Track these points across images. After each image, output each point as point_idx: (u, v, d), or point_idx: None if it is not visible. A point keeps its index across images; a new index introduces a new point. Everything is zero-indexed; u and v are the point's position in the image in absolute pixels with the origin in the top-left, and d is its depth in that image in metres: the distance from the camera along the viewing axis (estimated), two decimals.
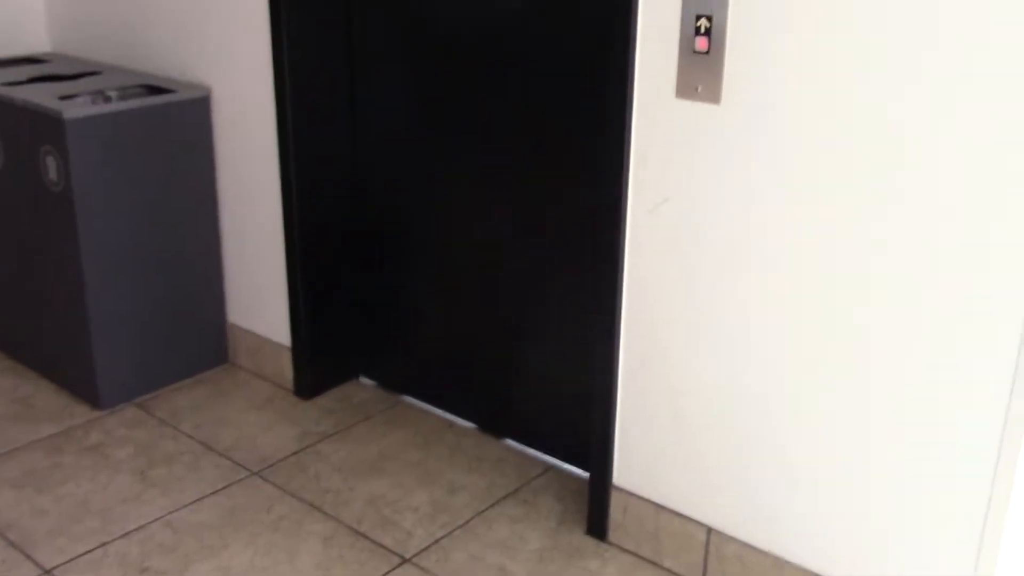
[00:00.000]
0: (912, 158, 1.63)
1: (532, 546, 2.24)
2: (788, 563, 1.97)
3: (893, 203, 1.67)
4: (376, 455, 2.58)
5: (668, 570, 2.15)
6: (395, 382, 2.88)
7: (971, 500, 1.71)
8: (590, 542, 2.25)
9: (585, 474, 2.43)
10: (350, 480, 2.47)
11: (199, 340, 2.96)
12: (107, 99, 2.71)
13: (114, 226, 2.66)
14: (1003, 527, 1.68)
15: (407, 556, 2.20)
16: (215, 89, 2.78)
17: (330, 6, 2.60)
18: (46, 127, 2.56)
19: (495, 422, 2.67)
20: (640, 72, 1.91)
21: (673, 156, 1.91)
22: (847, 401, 1.81)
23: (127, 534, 2.26)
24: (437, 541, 2.25)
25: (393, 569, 2.16)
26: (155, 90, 2.76)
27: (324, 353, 2.86)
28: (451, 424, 2.72)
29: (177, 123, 2.74)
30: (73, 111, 2.52)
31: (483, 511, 2.36)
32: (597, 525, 2.25)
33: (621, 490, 2.20)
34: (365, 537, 2.27)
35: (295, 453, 2.58)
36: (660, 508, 2.14)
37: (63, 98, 2.64)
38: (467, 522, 2.32)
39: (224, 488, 2.44)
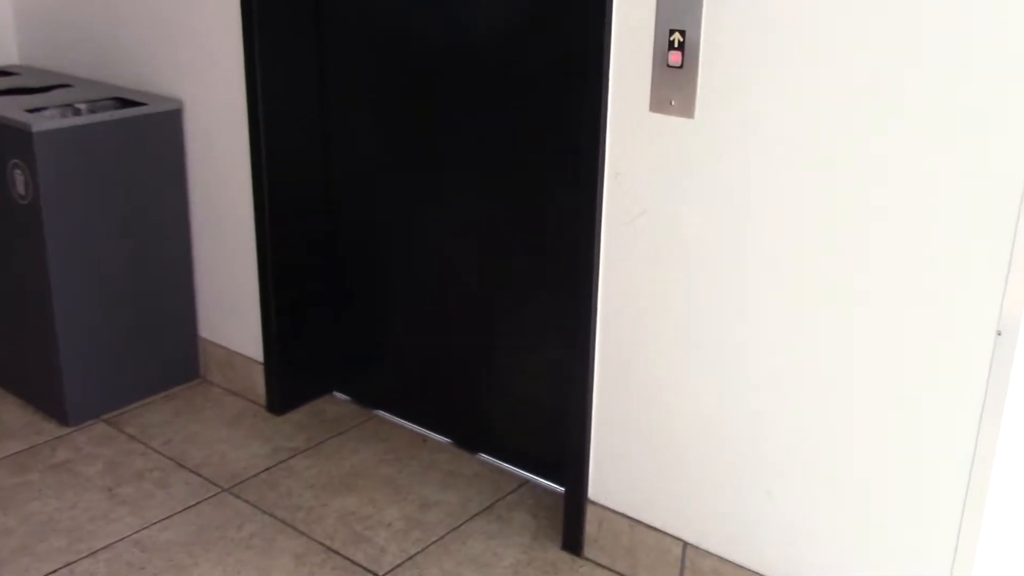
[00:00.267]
0: (886, 171, 1.64)
1: (507, 562, 2.22)
2: None
3: (868, 216, 1.68)
4: (349, 471, 2.55)
5: None
6: (369, 397, 2.86)
7: (946, 516, 1.71)
8: (565, 557, 2.24)
9: (560, 489, 2.42)
10: (322, 496, 2.45)
11: (169, 355, 2.92)
12: (76, 112, 2.68)
13: (83, 240, 2.63)
14: (977, 542, 1.69)
15: (380, 573, 2.18)
16: (187, 102, 2.76)
17: (303, 21, 2.59)
18: (14, 140, 2.53)
19: (469, 437, 2.65)
20: (614, 86, 1.92)
21: (647, 170, 1.91)
22: (824, 415, 1.82)
23: (94, 553, 2.23)
24: (411, 558, 2.23)
25: None
26: (126, 103, 2.74)
27: (297, 368, 2.83)
28: (425, 439, 2.71)
29: (148, 136, 2.72)
30: (41, 124, 2.49)
31: (457, 527, 2.34)
32: (572, 540, 2.24)
33: (596, 505, 2.19)
34: (338, 554, 2.24)
35: (267, 469, 2.56)
36: (635, 523, 2.13)
37: (31, 111, 2.61)
38: (441, 538, 2.30)
39: (194, 505, 2.41)
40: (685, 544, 2.07)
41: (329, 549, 2.25)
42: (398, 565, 2.21)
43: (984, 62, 1.51)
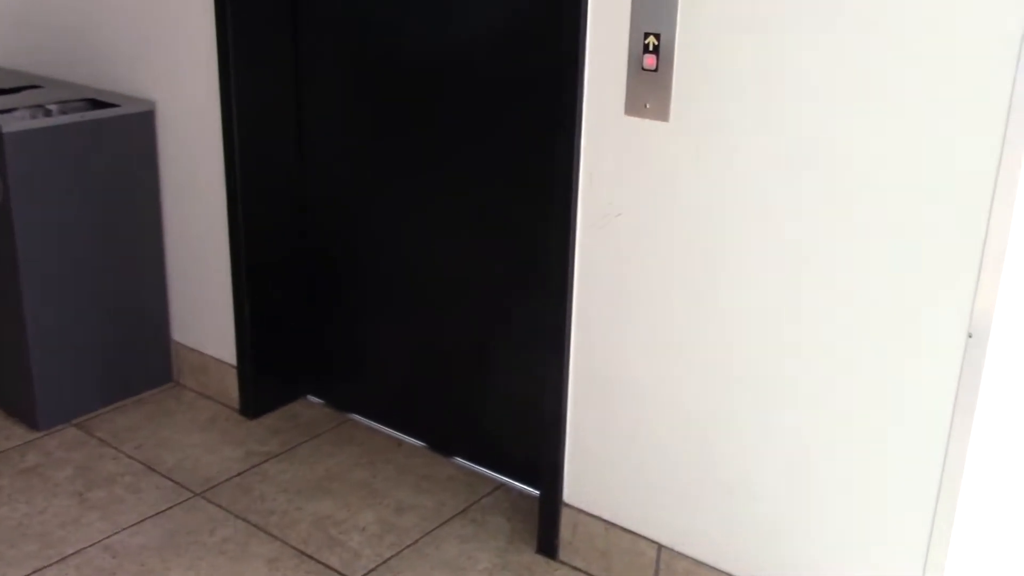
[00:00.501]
0: (859, 174, 1.65)
1: (481, 565, 2.22)
2: None
3: (840, 219, 1.69)
4: (323, 475, 2.54)
5: None
6: (343, 401, 2.84)
7: (918, 516, 1.72)
8: (540, 560, 2.24)
9: (535, 492, 2.42)
10: (296, 501, 2.43)
11: (142, 359, 2.90)
12: (47, 113, 2.65)
13: (54, 242, 2.60)
14: (949, 542, 1.70)
15: None
16: (160, 103, 2.74)
17: (278, 21, 2.58)
18: None
19: (444, 440, 2.64)
20: (589, 89, 1.92)
21: (622, 173, 1.92)
22: (797, 416, 1.82)
23: (64, 558, 2.20)
24: (385, 561, 2.22)
25: None
26: (98, 104, 2.71)
27: (270, 372, 2.81)
28: (400, 443, 2.70)
29: (120, 138, 2.70)
30: (12, 125, 2.47)
31: (432, 530, 2.33)
32: (547, 543, 2.24)
33: (571, 508, 2.19)
34: (311, 559, 2.23)
35: (240, 474, 2.54)
36: (610, 525, 2.13)
37: (1, 112, 2.58)
38: (415, 542, 2.29)
39: (166, 510, 2.38)
40: (660, 546, 2.07)
41: (303, 554, 2.24)
42: (372, 569, 2.20)
43: (955, 67, 1.52)
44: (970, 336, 1.60)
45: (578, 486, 2.17)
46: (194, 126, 2.67)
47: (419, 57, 2.40)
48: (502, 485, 2.52)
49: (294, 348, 2.85)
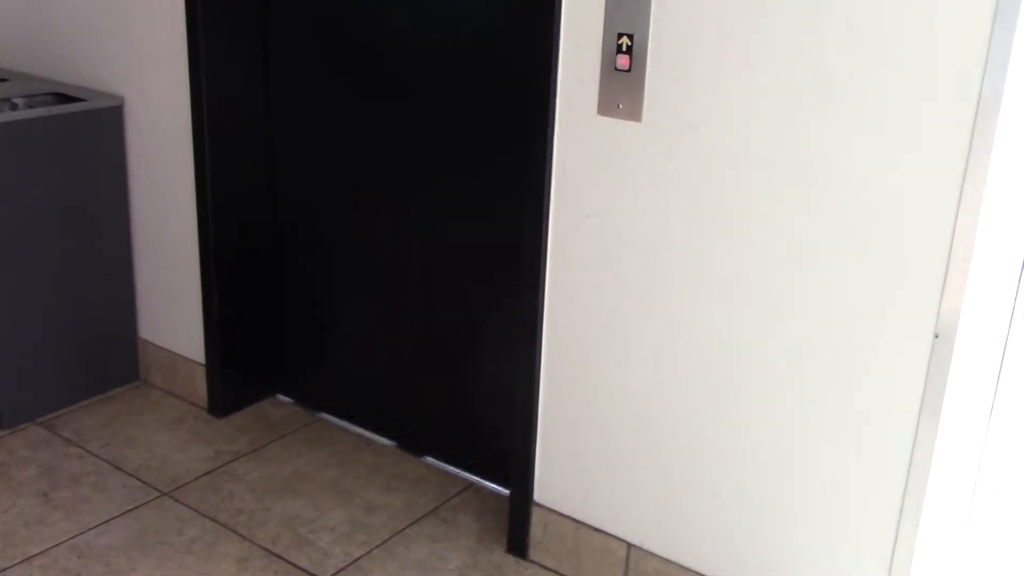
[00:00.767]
0: (827, 176, 1.67)
1: (452, 565, 2.21)
2: None
3: (807, 219, 1.70)
4: (292, 474, 2.52)
5: None
6: (313, 400, 2.83)
7: (885, 516, 1.74)
8: (510, 560, 2.24)
9: (505, 491, 2.42)
10: (265, 500, 2.41)
11: (109, 357, 2.87)
12: (13, 107, 2.62)
13: (19, 238, 2.56)
14: (915, 541, 1.72)
15: None
16: (128, 98, 2.71)
17: (249, 16, 2.56)
18: None
19: (414, 440, 2.64)
20: (562, 89, 1.92)
21: (595, 173, 1.92)
22: (765, 417, 1.84)
23: (28, 559, 2.17)
24: (355, 561, 2.21)
25: None
26: (65, 98, 2.68)
27: (239, 370, 2.79)
28: (369, 442, 2.69)
29: (88, 133, 2.67)
30: None
31: (402, 530, 2.33)
32: (517, 543, 2.24)
33: (542, 507, 2.19)
34: (280, 558, 2.21)
35: (208, 473, 2.51)
36: (580, 525, 2.14)
37: None
38: (385, 541, 2.28)
39: (132, 510, 2.36)
40: (629, 545, 2.08)
41: (272, 553, 2.22)
42: (342, 569, 2.19)
43: (922, 69, 1.54)
44: (937, 337, 1.62)
45: (548, 485, 2.17)
46: (163, 121, 2.65)
47: (393, 52, 2.40)
48: (472, 485, 2.51)
49: (263, 347, 2.83)
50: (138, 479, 2.48)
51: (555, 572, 2.20)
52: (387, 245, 2.54)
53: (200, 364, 2.78)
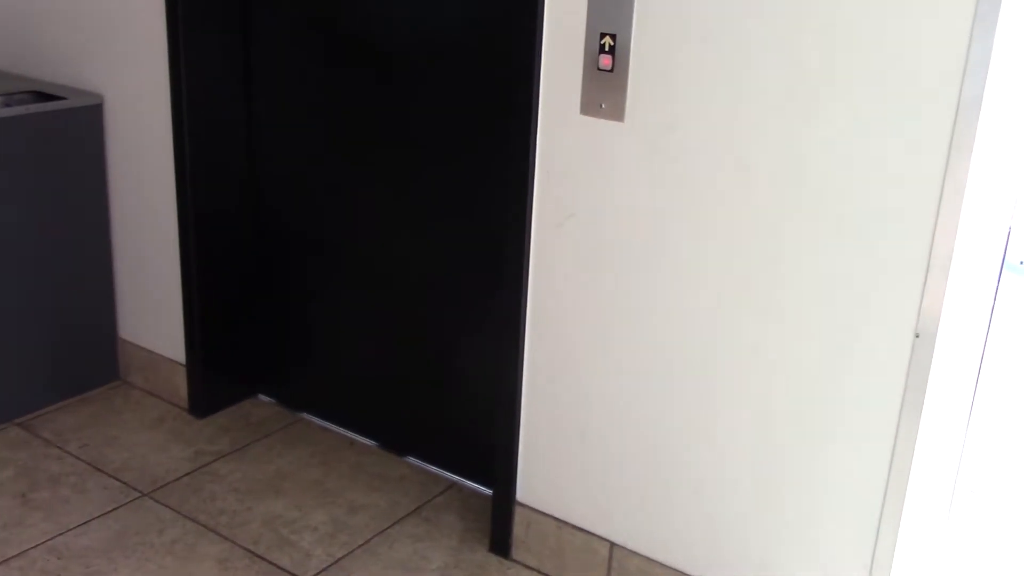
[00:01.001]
0: (808, 176, 1.67)
1: (434, 565, 2.21)
2: None
3: (789, 219, 1.71)
4: (274, 474, 2.51)
5: None
6: (294, 399, 2.82)
7: (865, 514, 1.75)
8: (493, 559, 2.24)
9: (488, 491, 2.42)
10: (247, 500, 2.40)
11: (88, 356, 2.85)
12: None
13: None
14: (896, 539, 1.73)
15: None
16: (108, 96, 2.69)
17: (229, 13, 2.54)
18: None
19: (397, 439, 2.63)
20: (545, 89, 1.92)
21: (578, 172, 1.92)
22: (747, 416, 1.84)
23: (6, 561, 2.15)
24: (337, 561, 2.21)
25: None
26: (44, 97, 2.66)
27: (220, 370, 2.78)
28: (352, 442, 2.68)
29: (67, 131, 2.64)
30: None
31: (384, 530, 2.32)
32: (500, 542, 2.24)
33: (524, 506, 2.19)
34: (262, 559, 2.20)
35: (189, 473, 2.50)
36: (563, 524, 2.14)
37: None
38: (367, 541, 2.28)
39: (112, 510, 2.34)
40: (612, 545, 2.08)
41: (253, 554, 2.21)
42: (324, 569, 2.18)
43: (903, 71, 1.55)
44: (917, 336, 1.63)
45: (531, 485, 2.17)
46: (143, 119, 2.63)
47: (375, 51, 2.39)
48: (454, 484, 2.51)
49: (245, 346, 2.81)
50: (118, 480, 2.46)
51: (538, 571, 2.20)
52: (369, 244, 2.53)
53: (181, 364, 2.77)
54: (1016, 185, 1.69)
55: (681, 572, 2.00)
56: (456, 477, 2.53)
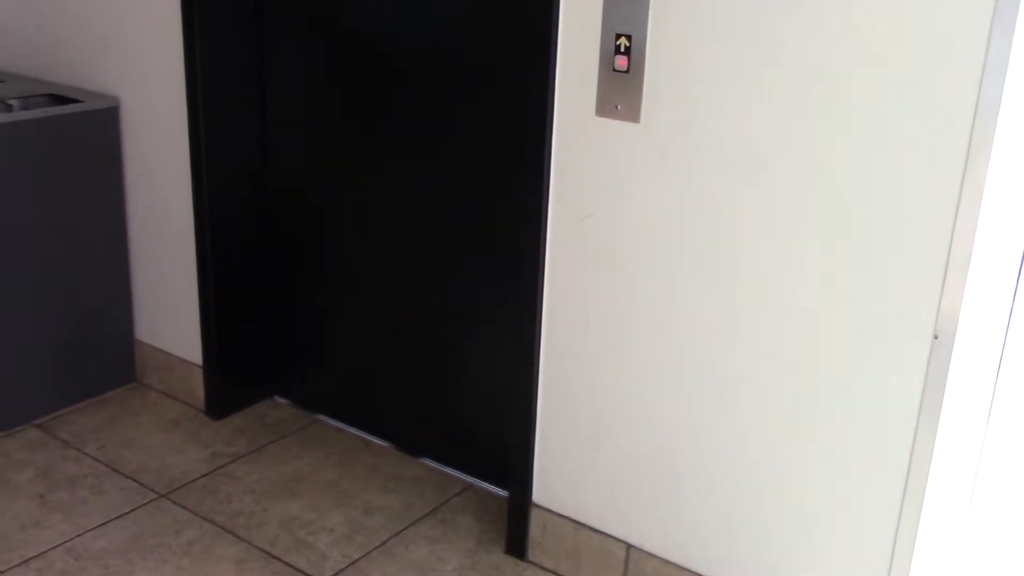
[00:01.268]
0: (825, 177, 1.67)
1: (450, 566, 2.21)
2: None
3: (806, 220, 1.70)
4: (290, 476, 2.52)
5: None
6: (310, 401, 2.82)
7: (884, 517, 1.74)
8: (509, 561, 2.24)
9: (504, 492, 2.42)
10: (263, 502, 2.41)
11: (105, 358, 2.86)
12: (8, 108, 2.61)
13: (15, 240, 2.56)
14: (914, 542, 1.72)
15: None
16: (124, 99, 2.71)
17: (244, 17, 2.55)
18: None
19: (413, 441, 2.63)
20: (560, 90, 1.92)
21: (593, 173, 1.92)
22: (765, 418, 1.84)
23: (25, 561, 2.16)
24: (353, 563, 2.21)
25: None
26: (60, 100, 2.67)
27: (237, 371, 2.79)
28: (368, 443, 2.68)
29: (83, 134, 2.66)
30: None
31: (400, 531, 2.32)
32: (516, 544, 2.24)
33: (540, 508, 2.19)
34: (279, 560, 2.21)
35: (205, 475, 2.51)
36: (579, 525, 2.14)
37: None
38: (384, 543, 2.28)
39: (130, 512, 2.35)
40: (629, 546, 2.07)
41: (270, 555, 2.22)
42: (340, 570, 2.18)
43: (921, 70, 1.54)
44: (936, 338, 1.62)
45: (547, 486, 2.17)
46: (159, 122, 2.64)
47: (389, 52, 2.39)
48: (471, 486, 2.51)
49: (261, 348, 2.82)
50: (135, 481, 2.47)
51: (554, 573, 2.20)
52: (385, 247, 2.53)
53: (197, 366, 2.78)
54: None
55: (698, 574, 1.99)
56: (472, 478, 2.53)
